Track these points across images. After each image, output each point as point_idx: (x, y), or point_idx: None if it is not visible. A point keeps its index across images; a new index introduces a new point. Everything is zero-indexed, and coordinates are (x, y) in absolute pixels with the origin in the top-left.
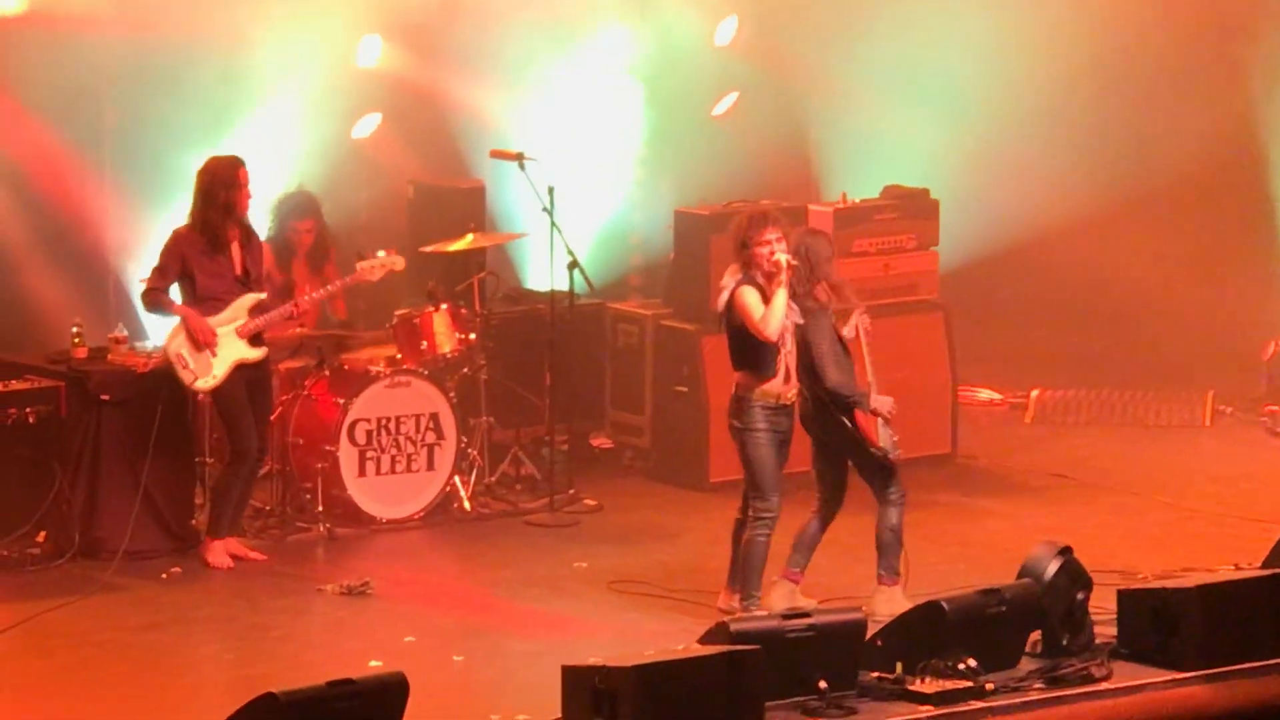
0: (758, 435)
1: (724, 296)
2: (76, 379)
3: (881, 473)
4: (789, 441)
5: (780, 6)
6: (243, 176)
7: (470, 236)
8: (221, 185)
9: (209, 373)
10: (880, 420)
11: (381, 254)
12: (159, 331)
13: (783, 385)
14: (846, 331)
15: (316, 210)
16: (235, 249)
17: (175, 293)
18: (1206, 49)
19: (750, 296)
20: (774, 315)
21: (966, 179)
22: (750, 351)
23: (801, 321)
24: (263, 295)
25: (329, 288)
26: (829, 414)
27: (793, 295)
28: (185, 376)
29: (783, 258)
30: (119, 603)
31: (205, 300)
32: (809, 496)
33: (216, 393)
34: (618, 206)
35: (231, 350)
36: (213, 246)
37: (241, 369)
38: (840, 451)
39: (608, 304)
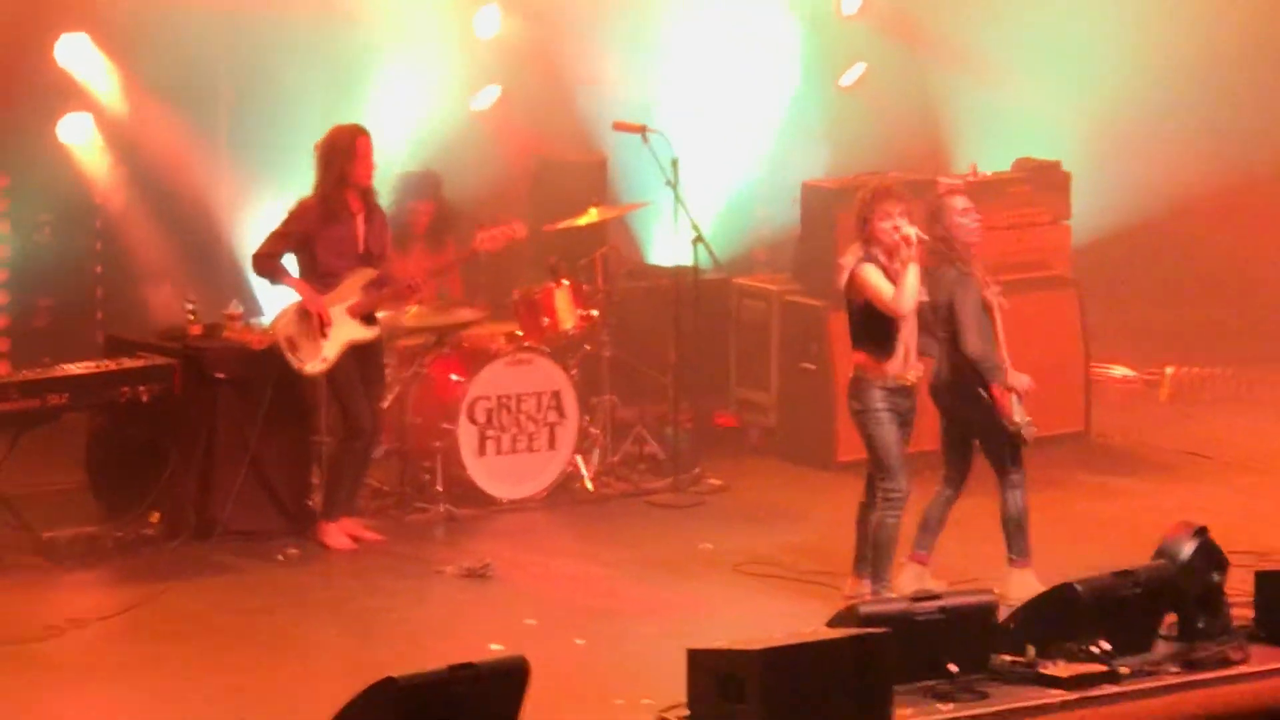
0: (879, 415)
1: (844, 275)
2: (191, 356)
3: (1007, 452)
4: (911, 422)
5: None
6: (361, 146)
7: (594, 211)
8: (339, 154)
9: (318, 355)
10: (1015, 397)
11: (507, 225)
12: (274, 307)
13: (902, 365)
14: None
15: (434, 191)
16: (359, 223)
17: (291, 265)
18: None
19: (873, 275)
20: (908, 291)
21: (1099, 152)
22: (871, 330)
23: (927, 299)
24: (375, 272)
25: (449, 260)
26: (965, 384)
27: (936, 261)
28: (293, 361)
29: (911, 231)
30: (234, 584)
31: (323, 275)
32: (933, 477)
33: (329, 371)
34: (743, 180)
35: (343, 331)
36: (332, 218)
37: (354, 348)
38: (968, 426)
39: (733, 279)
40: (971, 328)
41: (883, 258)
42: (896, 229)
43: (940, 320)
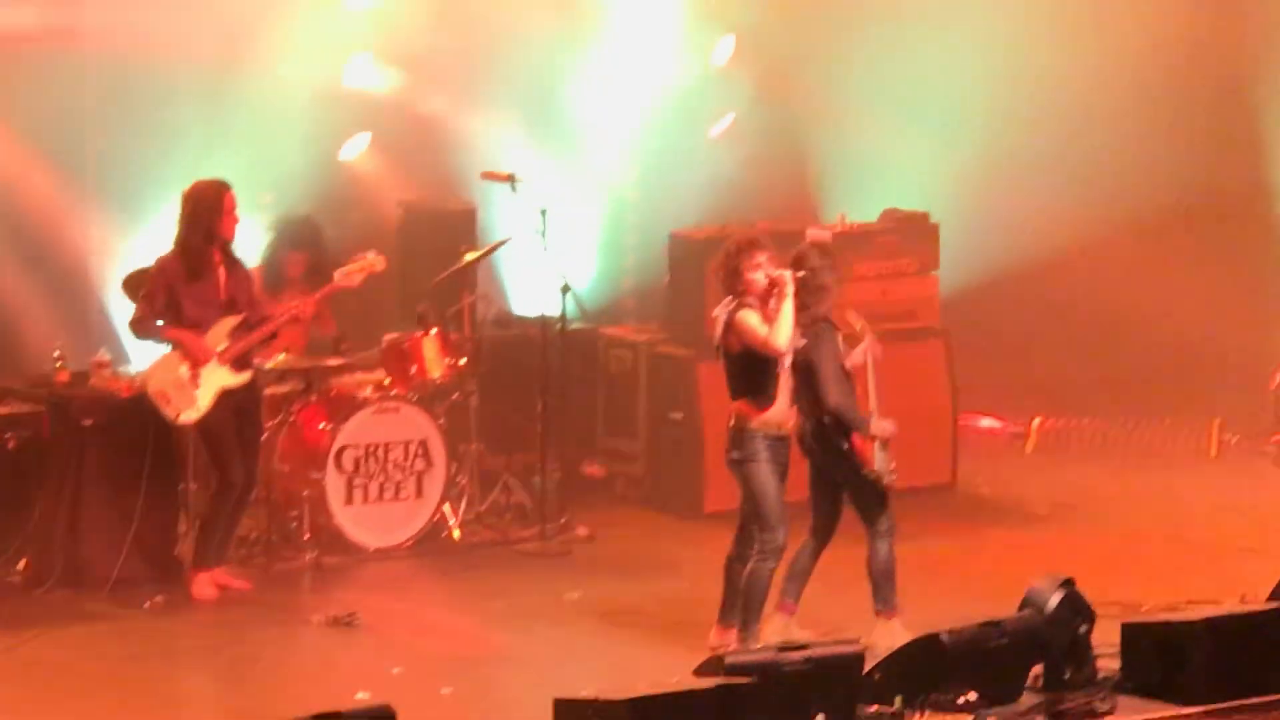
0: (760, 465)
1: (720, 325)
2: (59, 403)
3: (874, 503)
4: (786, 472)
5: (778, 28)
6: (229, 201)
7: (467, 256)
8: (205, 210)
9: (192, 405)
10: (878, 445)
11: (363, 258)
12: (142, 355)
13: (782, 413)
14: (855, 358)
15: (315, 240)
16: (220, 274)
17: None
18: (1211, 75)
19: (751, 318)
20: (782, 327)
21: (966, 202)
22: (752, 378)
23: (803, 343)
24: (241, 317)
25: (308, 299)
26: (825, 435)
27: (800, 307)
28: (168, 412)
29: (785, 273)
30: (102, 632)
31: (190, 327)
32: (801, 526)
33: (202, 422)
34: (612, 229)
35: (215, 378)
36: (195, 272)
37: (228, 396)
38: (836, 478)
39: (601, 329)
40: (831, 383)
41: (756, 305)
42: (768, 275)
43: (801, 378)
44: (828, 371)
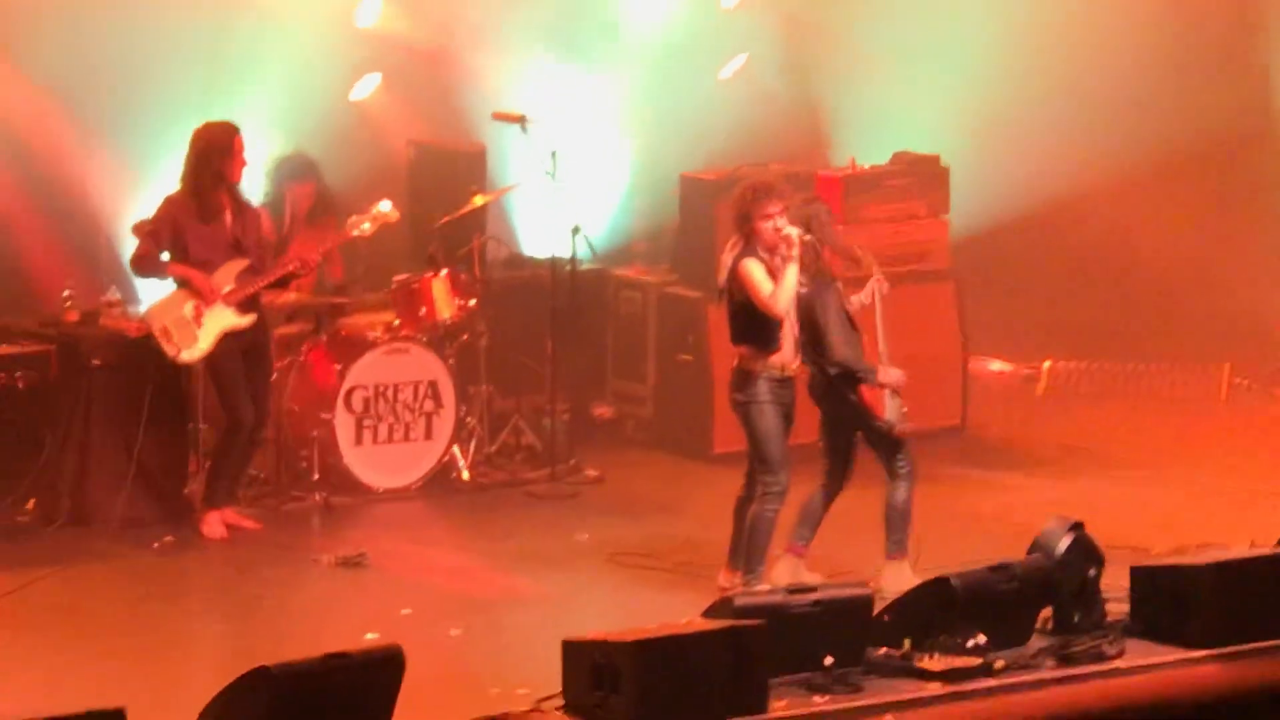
0: (763, 407)
1: (724, 271)
2: (67, 343)
3: (889, 446)
4: (793, 414)
5: None
6: (238, 144)
7: (478, 199)
8: (215, 152)
9: (193, 344)
10: (888, 392)
11: (377, 208)
12: (152, 294)
13: (787, 357)
14: (862, 298)
15: (315, 173)
16: (228, 217)
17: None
18: (1223, 14)
19: (756, 271)
20: (784, 291)
21: (978, 146)
22: (754, 326)
23: (805, 290)
24: (248, 261)
25: (327, 245)
26: (836, 387)
27: (802, 268)
28: (169, 349)
29: (793, 232)
30: (110, 572)
31: (197, 267)
32: (815, 469)
33: (209, 362)
34: (622, 171)
35: (218, 319)
36: (203, 213)
37: (234, 337)
38: (848, 423)
39: (611, 270)
40: (836, 336)
41: (764, 253)
42: (778, 229)
43: (803, 325)
44: (832, 323)
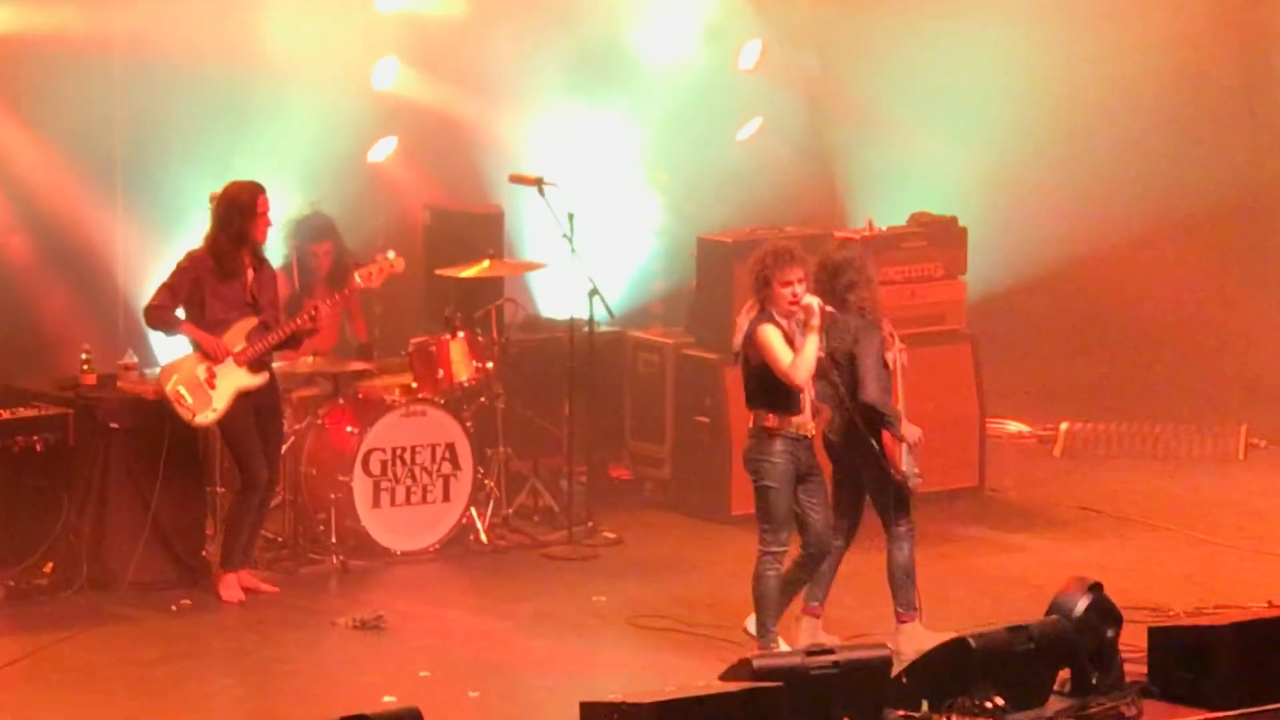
0: (775, 465)
1: (741, 334)
2: (85, 406)
3: (895, 504)
4: (813, 479)
5: (804, 31)
6: (262, 205)
7: (486, 262)
8: (238, 212)
9: (208, 406)
10: (905, 448)
11: (383, 257)
12: (170, 357)
13: (805, 419)
14: (886, 357)
15: (332, 232)
16: (249, 276)
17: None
18: (1243, 73)
19: (774, 337)
20: (804, 361)
21: (995, 206)
22: (772, 392)
23: (853, 325)
24: (259, 319)
25: (328, 302)
26: (856, 433)
27: (841, 305)
28: (184, 414)
29: (814, 302)
30: (128, 634)
31: (211, 327)
32: None
33: (222, 424)
34: (639, 233)
35: (231, 379)
36: (224, 272)
37: (247, 397)
38: (858, 477)
39: (628, 332)
40: (872, 376)
41: (780, 319)
42: (796, 298)
43: (839, 368)
44: (870, 365)
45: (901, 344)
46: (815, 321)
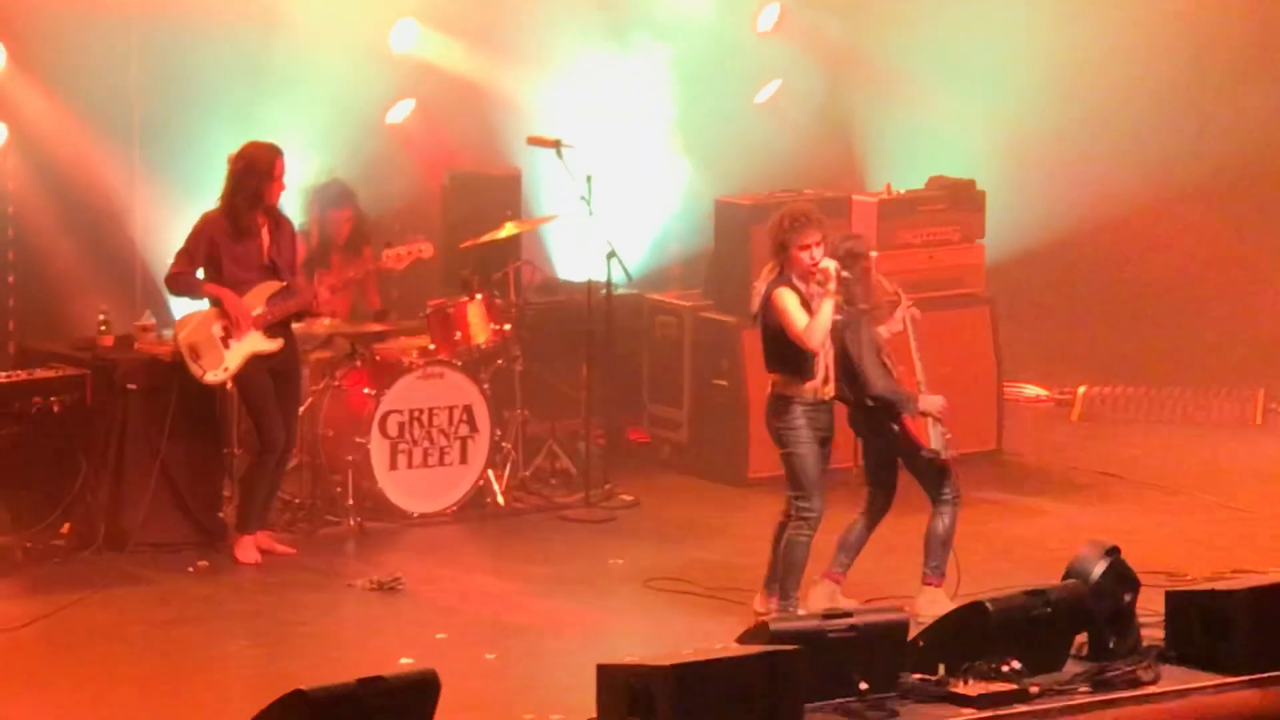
0: (798, 432)
1: (758, 298)
2: (102, 367)
3: (934, 473)
4: (830, 440)
5: None
6: (278, 168)
7: (509, 225)
8: (254, 174)
9: (219, 365)
10: (931, 419)
11: (416, 245)
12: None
13: (822, 384)
14: (893, 325)
15: (352, 199)
16: (264, 235)
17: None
18: (1260, 37)
19: (790, 301)
20: (819, 325)
21: (1013, 170)
22: (788, 354)
23: (838, 320)
24: (281, 284)
25: (351, 275)
26: (876, 417)
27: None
28: (195, 370)
29: (831, 265)
30: (145, 596)
31: (232, 286)
32: (855, 495)
33: (239, 384)
34: (658, 195)
35: (246, 342)
36: (239, 233)
37: (263, 360)
38: (891, 453)
39: (646, 295)
40: (871, 370)
41: (799, 283)
42: (815, 262)
43: (837, 357)
44: (865, 358)
45: (909, 302)
46: (832, 285)
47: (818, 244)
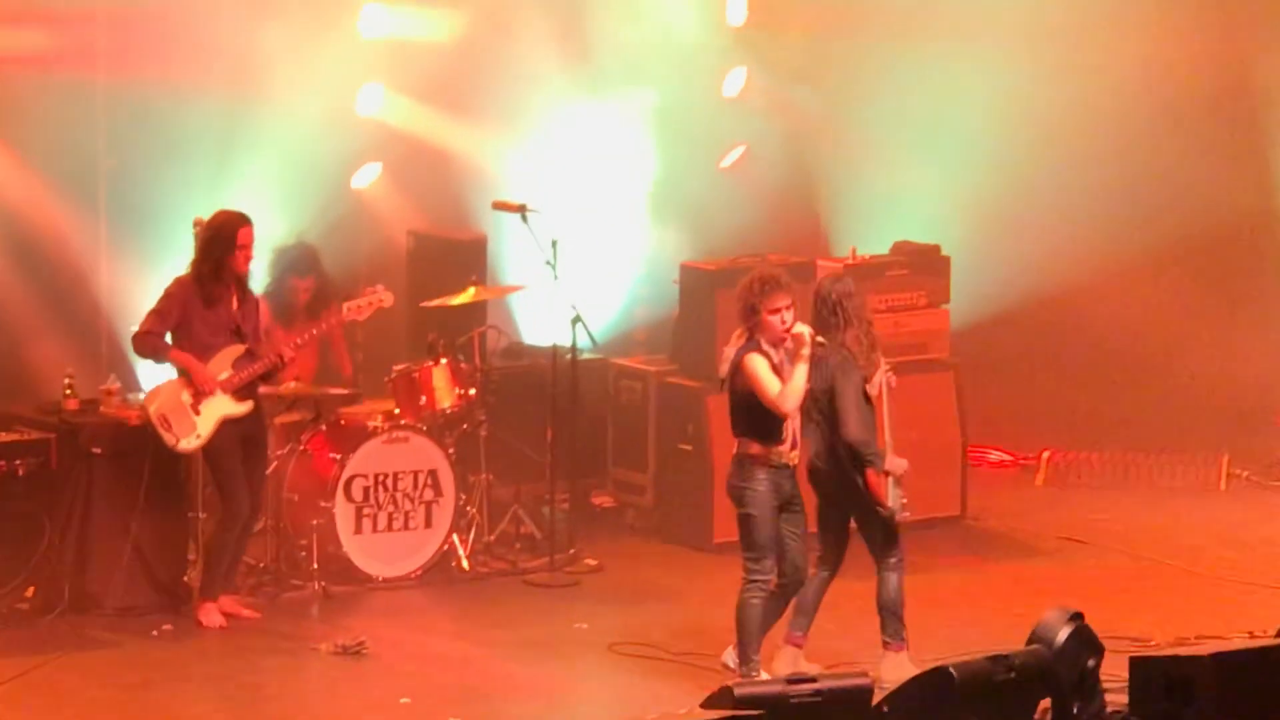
0: (759, 495)
1: (727, 364)
2: (68, 431)
3: (883, 535)
4: (795, 506)
5: (788, 60)
6: (243, 237)
7: (472, 290)
8: (219, 243)
9: (192, 432)
10: (891, 480)
11: (373, 293)
12: (153, 382)
13: (789, 449)
14: (870, 388)
15: (315, 265)
16: (233, 303)
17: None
18: (1223, 106)
19: (761, 366)
20: (793, 390)
21: (978, 235)
22: (758, 421)
23: (831, 362)
24: (245, 347)
25: (312, 332)
26: (841, 467)
27: (814, 362)
28: (168, 439)
29: (805, 330)
30: (109, 659)
31: (200, 350)
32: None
33: (206, 450)
34: (622, 260)
35: (215, 407)
36: (209, 298)
37: (232, 425)
38: (845, 509)
39: (611, 360)
40: (853, 414)
41: (768, 348)
42: (786, 325)
43: (819, 405)
44: (850, 401)
45: (888, 367)
46: (805, 351)
47: (788, 308)
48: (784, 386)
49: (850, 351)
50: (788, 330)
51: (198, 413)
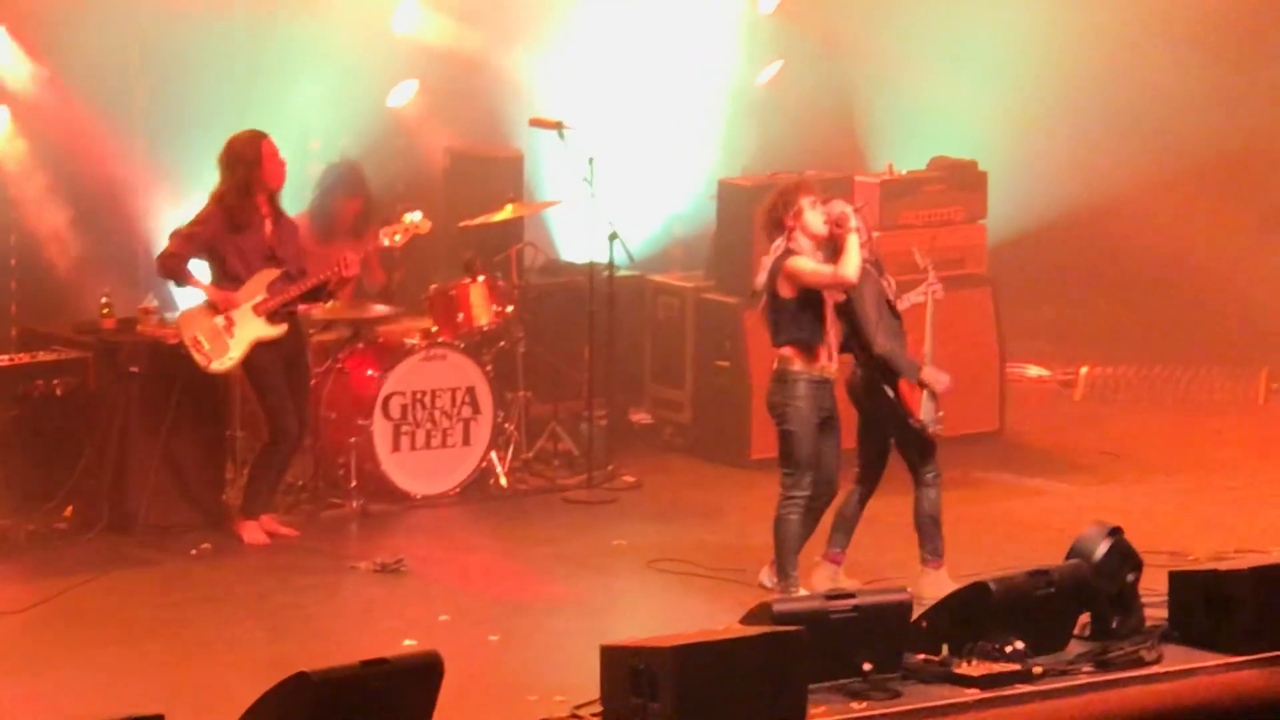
0: (799, 406)
1: (764, 274)
2: (105, 350)
3: (918, 450)
4: (831, 419)
5: None
6: (266, 149)
7: (509, 207)
8: (241, 163)
9: (225, 354)
10: (926, 394)
11: (408, 218)
12: (189, 301)
13: (827, 360)
14: (914, 297)
15: (362, 186)
16: (267, 227)
17: (200, 269)
18: (1260, 16)
19: (805, 262)
20: (849, 262)
21: (1015, 149)
22: (801, 323)
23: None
24: (281, 270)
25: (349, 256)
26: (875, 382)
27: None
28: (200, 360)
29: (847, 208)
30: (148, 578)
31: (232, 279)
32: (848, 474)
33: (251, 370)
34: (659, 177)
35: (248, 329)
36: (237, 225)
37: (272, 347)
38: (882, 424)
39: (648, 276)
40: (875, 326)
41: (807, 249)
42: (828, 215)
43: (845, 318)
44: (869, 312)
45: (936, 279)
46: (851, 224)
47: (813, 204)
48: (840, 260)
49: (869, 264)
50: (830, 216)
51: (231, 335)
